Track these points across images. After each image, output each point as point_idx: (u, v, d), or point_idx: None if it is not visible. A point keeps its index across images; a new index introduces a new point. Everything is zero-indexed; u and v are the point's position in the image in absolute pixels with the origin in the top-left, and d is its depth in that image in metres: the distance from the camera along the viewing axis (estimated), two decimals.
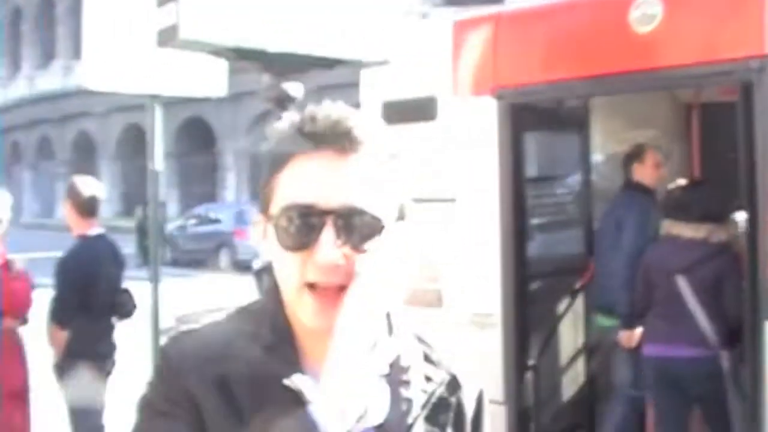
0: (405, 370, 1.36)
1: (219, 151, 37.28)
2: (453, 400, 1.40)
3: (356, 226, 1.27)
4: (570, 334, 5.22)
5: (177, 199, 39.84)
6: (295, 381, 1.28)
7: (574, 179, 5.68)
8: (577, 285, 5.36)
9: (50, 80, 45.78)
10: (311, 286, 1.28)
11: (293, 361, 1.32)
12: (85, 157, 44.77)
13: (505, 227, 4.85)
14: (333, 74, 4.56)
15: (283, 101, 3.85)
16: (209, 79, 5.26)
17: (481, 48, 5.01)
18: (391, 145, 1.35)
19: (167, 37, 3.41)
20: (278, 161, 1.33)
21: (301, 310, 1.30)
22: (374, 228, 1.29)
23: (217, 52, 3.70)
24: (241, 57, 3.74)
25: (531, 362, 4.88)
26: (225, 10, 3.52)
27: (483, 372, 4.38)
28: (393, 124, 5.34)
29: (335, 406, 1.25)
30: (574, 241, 5.40)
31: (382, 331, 1.35)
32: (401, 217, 1.35)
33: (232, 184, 38.27)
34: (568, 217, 5.49)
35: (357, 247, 1.28)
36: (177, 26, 3.35)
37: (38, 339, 5.25)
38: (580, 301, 5.27)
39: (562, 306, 5.23)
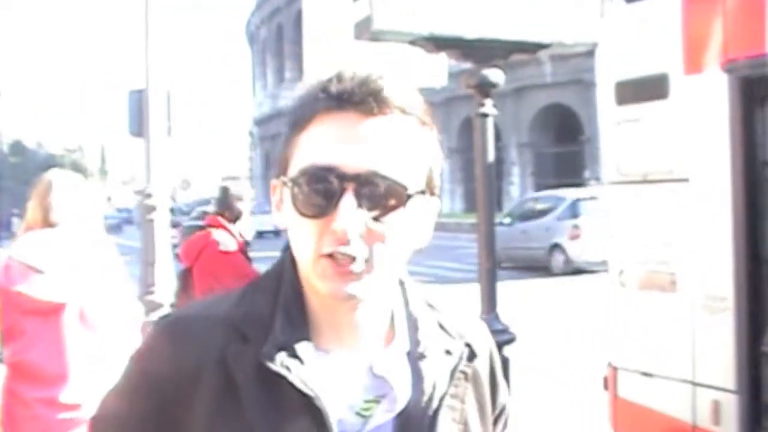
0: (424, 345, 1.33)
1: (503, 145, 37.64)
2: (470, 370, 1.37)
3: (380, 194, 1.20)
4: None
5: (460, 196, 40.75)
6: (306, 382, 1.23)
7: None
8: None
9: None
10: (328, 256, 1.21)
11: (306, 356, 1.25)
12: None
13: (737, 208, 4.73)
14: None
15: (484, 88, 3.99)
16: (429, 71, 5.43)
17: (710, 18, 4.91)
18: (423, 112, 1.27)
19: (362, 29, 3.57)
20: (299, 121, 1.26)
21: (317, 278, 1.23)
22: (399, 197, 1.21)
23: (413, 41, 3.82)
24: (438, 45, 3.85)
25: (766, 349, 4.72)
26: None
27: (715, 359, 4.36)
28: (625, 104, 5.45)
29: (348, 392, 1.27)
30: None
31: (398, 302, 1.35)
32: (431, 189, 1.29)
33: (516, 179, 38.59)
34: None
35: (379, 217, 1.21)
36: (371, 18, 3.48)
37: None
38: None
39: None
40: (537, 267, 20.20)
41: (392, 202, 1.21)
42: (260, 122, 67.38)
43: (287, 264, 1.31)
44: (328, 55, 5.02)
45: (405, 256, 1.28)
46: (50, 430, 3.25)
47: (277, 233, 40.82)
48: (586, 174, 32.40)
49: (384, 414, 1.27)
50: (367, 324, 1.30)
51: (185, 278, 5.74)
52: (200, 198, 49.60)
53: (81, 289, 3.33)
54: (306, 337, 1.27)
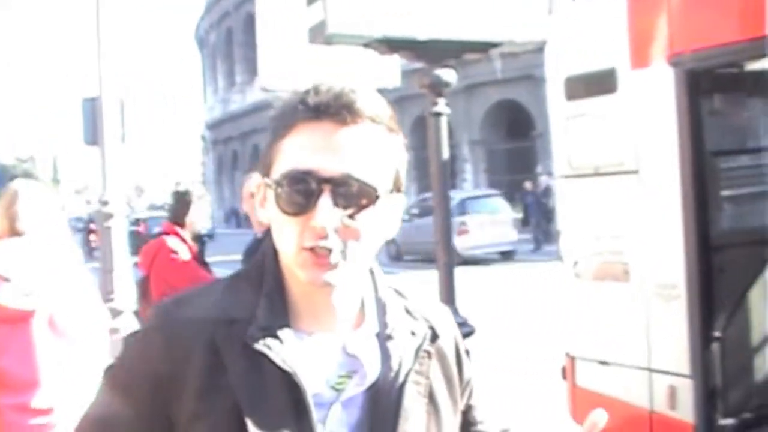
0: (392, 327, 1.49)
1: (455, 143, 37.75)
2: (433, 349, 1.53)
3: (353, 195, 1.35)
4: (762, 309, 5.10)
5: (414, 192, 40.89)
6: (286, 360, 1.37)
7: None
8: None
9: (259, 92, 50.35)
10: (309, 249, 1.36)
11: (286, 337, 1.40)
12: None
13: (686, 198, 4.84)
14: None
15: (437, 87, 4.05)
16: (383, 73, 5.47)
17: (656, 12, 5.01)
18: (390, 121, 1.43)
19: (316, 33, 3.61)
20: (281, 129, 1.40)
21: (299, 267, 1.38)
22: (370, 197, 1.36)
23: (367, 44, 3.86)
24: (391, 47, 3.90)
25: (717, 334, 4.84)
26: (372, 2, 3.70)
27: (669, 345, 4.43)
28: (575, 99, 5.54)
29: (324, 368, 1.41)
30: None
31: (368, 288, 1.51)
32: (398, 188, 1.45)
33: (469, 176, 38.78)
34: (764, 189, 5.33)
35: (352, 215, 1.35)
36: (325, 22, 3.53)
37: None
38: None
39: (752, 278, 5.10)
40: (432, 259, 20.93)
41: (364, 201, 1.36)
42: (212, 126, 67.03)
43: (269, 256, 1.47)
44: (281, 59, 5.05)
45: (376, 247, 1.44)
46: None
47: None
48: (539, 169, 32.62)
49: (355, 388, 1.43)
50: (341, 308, 1.46)
51: (144, 285, 5.74)
52: (153, 203, 49.29)
53: (49, 296, 3.35)
54: (286, 321, 1.42)
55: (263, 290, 1.44)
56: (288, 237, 1.38)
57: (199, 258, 5.66)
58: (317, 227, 1.34)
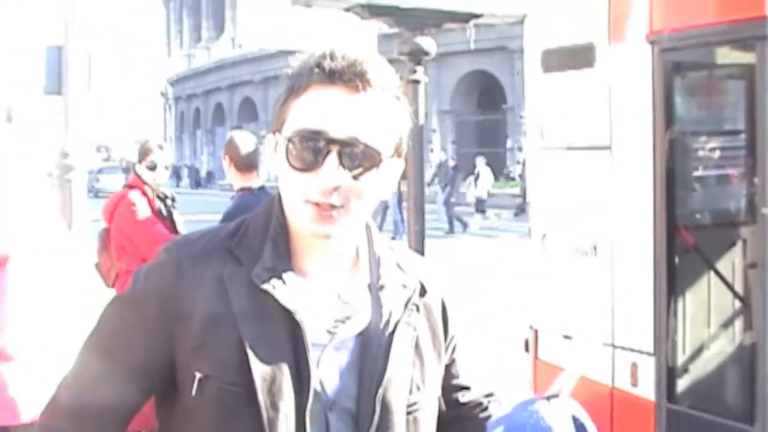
0: (384, 278, 1.66)
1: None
2: (421, 303, 1.70)
3: (358, 156, 1.52)
4: (724, 295, 5.20)
5: None
6: (288, 300, 1.54)
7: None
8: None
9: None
10: (313, 203, 1.52)
11: (288, 279, 1.56)
12: None
13: (658, 179, 4.92)
14: None
15: (417, 55, 4.12)
16: (359, 39, 5.51)
17: None
18: (398, 90, 1.61)
19: None
20: (296, 88, 1.56)
21: (301, 218, 1.56)
22: (374, 160, 1.53)
23: (349, 8, 3.94)
24: (372, 12, 3.97)
25: (679, 313, 4.96)
26: None
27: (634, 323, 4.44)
28: (551, 72, 5.61)
29: (320, 312, 1.58)
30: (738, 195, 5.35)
31: (363, 242, 1.69)
32: (399, 153, 1.62)
33: (437, 146, 38.88)
34: (736, 171, 5.44)
35: (356, 176, 1.52)
36: None
37: None
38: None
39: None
40: None
41: (367, 163, 1.53)
42: (175, 83, 66.56)
43: (275, 204, 1.64)
44: (260, 17, 5.09)
45: (373, 205, 1.64)
46: None
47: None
48: (509, 143, 32.82)
49: (347, 332, 1.60)
50: (337, 257, 1.64)
51: (105, 237, 5.79)
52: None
53: (24, 241, 3.38)
54: (289, 264, 1.60)
55: (269, 233, 1.61)
56: (294, 190, 1.55)
57: (166, 216, 5.73)
58: (323, 184, 1.50)
